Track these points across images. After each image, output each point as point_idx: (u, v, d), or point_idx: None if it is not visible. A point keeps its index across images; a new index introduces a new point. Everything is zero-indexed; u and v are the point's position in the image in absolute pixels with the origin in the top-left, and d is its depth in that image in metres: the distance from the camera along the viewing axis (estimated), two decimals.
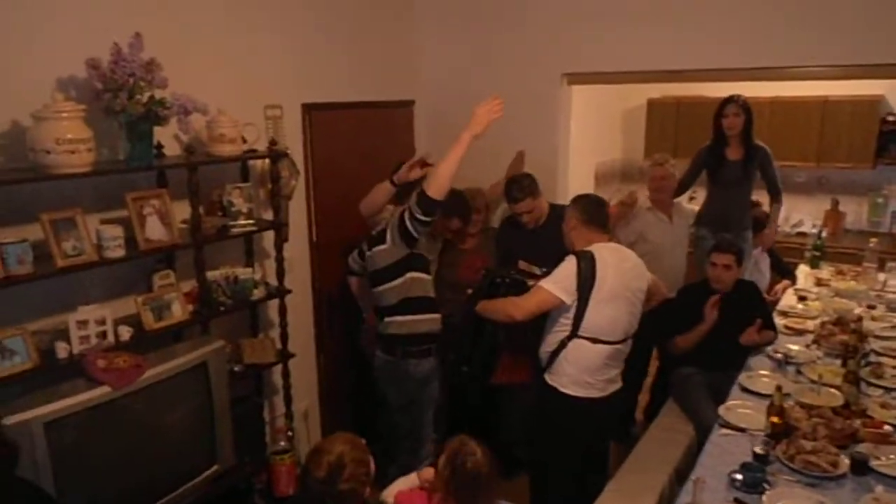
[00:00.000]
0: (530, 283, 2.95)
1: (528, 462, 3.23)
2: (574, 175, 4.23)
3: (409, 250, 2.87)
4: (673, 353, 3.61)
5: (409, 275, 2.92)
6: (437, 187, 2.66)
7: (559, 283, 2.67)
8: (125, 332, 2.47)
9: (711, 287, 3.51)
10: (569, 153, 4.05)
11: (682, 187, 4.13)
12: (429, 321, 3.01)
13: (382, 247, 2.89)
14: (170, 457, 2.47)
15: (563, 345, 2.70)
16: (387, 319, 2.99)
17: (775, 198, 4.12)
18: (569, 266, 2.66)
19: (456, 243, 3.61)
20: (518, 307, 2.73)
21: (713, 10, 3.28)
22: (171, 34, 2.69)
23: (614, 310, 2.67)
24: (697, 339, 3.43)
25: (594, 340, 2.67)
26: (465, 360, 3.45)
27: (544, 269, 2.92)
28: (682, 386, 3.45)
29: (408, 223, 2.75)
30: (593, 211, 2.80)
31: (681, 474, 2.80)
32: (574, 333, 2.68)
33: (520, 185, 3.48)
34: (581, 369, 2.70)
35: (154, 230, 2.54)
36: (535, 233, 3.41)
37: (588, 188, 3.84)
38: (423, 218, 2.72)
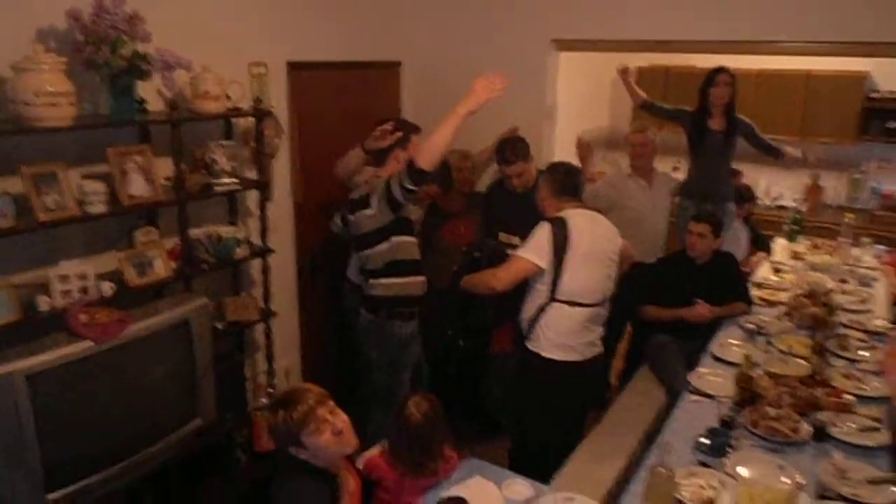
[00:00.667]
0: (509, 252, 3.00)
1: (509, 426, 3.31)
2: (560, 141, 4.24)
3: (395, 215, 2.88)
4: (643, 319, 3.69)
5: (394, 239, 2.93)
6: (427, 159, 2.65)
7: (534, 249, 2.72)
8: (108, 288, 2.48)
9: (688, 256, 3.58)
10: (555, 119, 4.05)
11: (652, 108, 4.15)
12: (414, 284, 3.04)
13: (367, 212, 2.89)
14: (152, 411, 2.50)
15: (541, 310, 2.76)
16: (372, 281, 3.02)
17: (778, 155, 4.14)
18: (542, 232, 2.71)
19: (441, 207, 3.63)
20: (497, 278, 2.78)
21: None
22: None
23: (589, 272, 2.74)
24: (671, 318, 3.51)
25: (572, 303, 2.73)
26: (456, 331, 3.52)
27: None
28: (656, 352, 3.54)
29: (395, 191, 2.75)
30: (564, 181, 2.85)
31: (651, 437, 2.90)
32: (552, 298, 2.74)
33: (513, 147, 3.49)
34: (560, 333, 2.76)
35: (137, 186, 2.53)
36: (522, 197, 3.42)
37: (573, 154, 3.83)
38: (410, 187, 2.73)
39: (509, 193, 3.54)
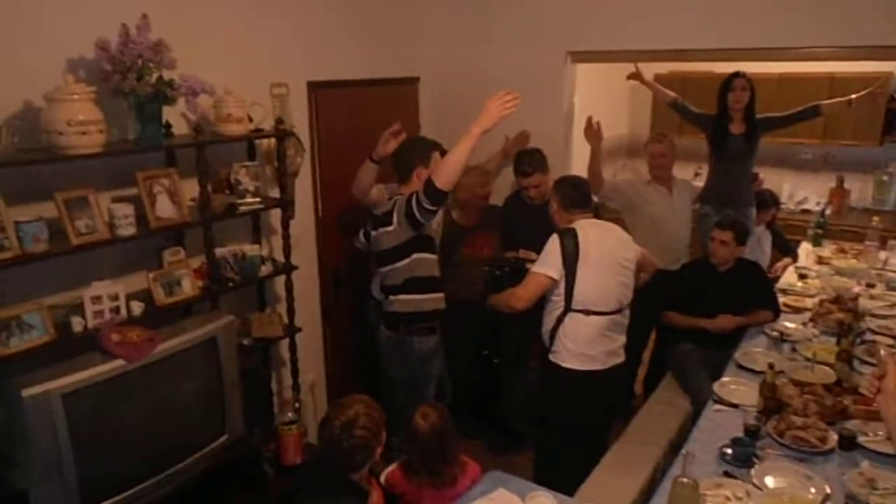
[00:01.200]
0: (528, 266, 3.03)
1: (532, 438, 3.32)
2: (580, 150, 4.24)
3: (416, 232, 2.92)
4: (666, 326, 3.68)
5: (415, 256, 2.97)
6: (445, 179, 2.69)
7: (546, 262, 2.77)
8: (137, 308, 2.55)
9: (711, 263, 3.57)
10: (573, 130, 4.07)
11: (681, 108, 4.14)
12: (433, 300, 3.07)
13: (388, 228, 2.94)
14: (181, 427, 2.56)
15: (559, 321, 2.79)
16: (391, 297, 3.06)
17: (816, 113, 3.92)
18: (552, 244, 2.76)
19: (458, 222, 3.66)
20: (517, 297, 2.83)
21: None
22: (178, 15, 2.71)
23: (603, 279, 2.76)
24: (693, 327, 3.49)
25: (587, 312, 2.76)
26: (491, 350, 3.54)
27: None
28: (680, 362, 3.53)
29: (415, 209, 2.79)
30: (572, 194, 2.90)
31: (676, 447, 2.89)
32: (568, 308, 2.77)
33: (531, 158, 3.53)
34: (578, 342, 2.78)
35: (164, 208, 2.60)
36: (540, 208, 3.44)
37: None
38: (430, 207, 2.77)
39: (526, 205, 3.56)
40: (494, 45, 3.97)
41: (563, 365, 2.81)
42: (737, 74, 3.90)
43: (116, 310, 2.48)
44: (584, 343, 2.78)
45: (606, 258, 2.77)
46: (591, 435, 2.96)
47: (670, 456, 2.89)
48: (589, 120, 3.81)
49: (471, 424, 3.76)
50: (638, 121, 6.58)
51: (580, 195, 2.91)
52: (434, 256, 3.09)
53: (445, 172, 2.69)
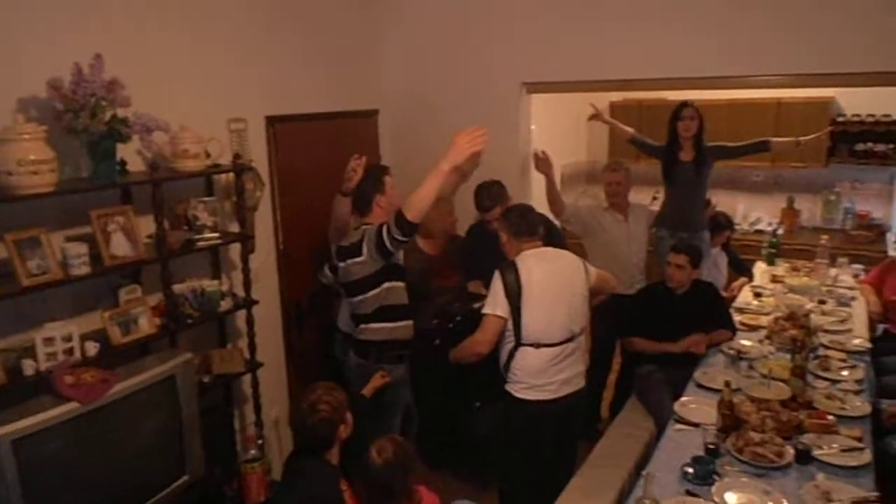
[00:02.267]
0: (476, 305, 3.08)
1: (494, 469, 3.31)
2: (539, 178, 4.33)
3: (386, 262, 2.94)
4: (628, 350, 3.74)
5: (385, 285, 2.98)
6: (415, 212, 2.72)
7: (494, 302, 2.77)
8: (92, 348, 2.50)
9: (668, 286, 3.64)
10: (531, 160, 4.15)
11: (639, 144, 4.31)
12: (403, 328, 3.08)
13: (358, 259, 2.95)
14: (139, 469, 2.50)
15: (511, 354, 2.80)
16: (362, 326, 3.06)
17: (765, 147, 4.09)
18: (496, 283, 2.77)
19: (426, 252, 3.67)
20: (479, 343, 2.83)
21: (665, 22, 3.40)
22: (133, 53, 2.72)
23: (549, 312, 2.75)
24: (659, 351, 3.55)
25: (536, 345, 2.75)
26: (481, 397, 3.53)
27: None
28: (643, 383, 3.57)
29: (386, 240, 2.81)
30: (519, 222, 2.89)
31: (640, 468, 2.90)
32: (518, 342, 2.77)
33: (489, 192, 3.57)
34: (529, 374, 2.78)
35: (119, 246, 2.57)
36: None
37: None
38: (401, 238, 2.79)
39: (489, 235, 3.60)
40: (452, 76, 4.05)
41: (516, 395, 2.82)
42: (685, 104, 4.03)
43: (70, 351, 2.43)
44: (534, 374, 2.78)
45: (551, 290, 2.76)
46: (547, 462, 2.93)
47: (635, 477, 2.91)
48: (535, 154, 3.90)
49: (438, 454, 3.75)
50: (596, 148, 6.74)
51: (526, 224, 2.90)
52: (402, 284, 3.09)
53: (416, 206, 2.72)
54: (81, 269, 2.43)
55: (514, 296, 2.72)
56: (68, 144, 2.47)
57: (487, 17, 3.86)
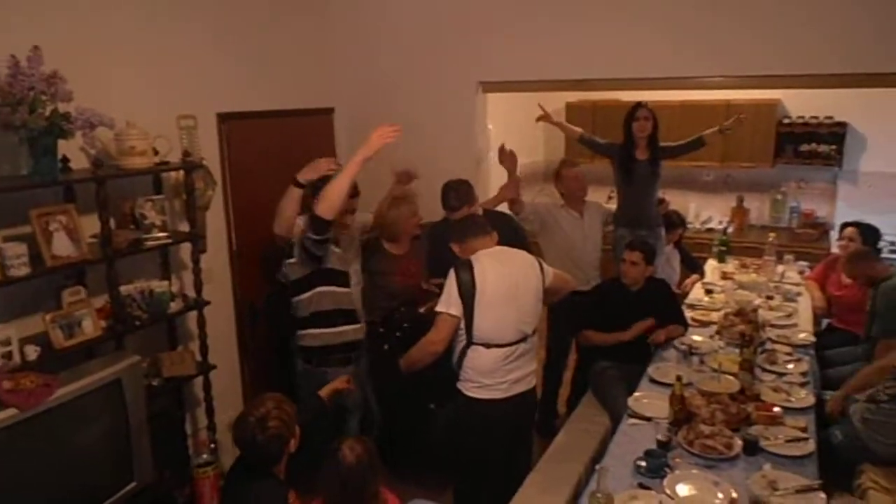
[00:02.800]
0: (422, 310, 3.09)
1: (449, 466, 3.30)
2: (498, 177, 4.35)
3: (316, 266, 2.92)
4: (583, 344, 3.78)
5: (316, 290, 2.96)
6: (326, 207, 2.70)
7: (448, 301, 2.75)
8: (32, 352, 2.41)
9: (623, 282, 3.70)
10: (488, 158, 4.17)
11: (588, 142, 4.33)
12: (344, 333, 3.04)
13: (292, 260, 2.94)
14: (85, 476, 2.41)
15: (463, 353, 2.78)
16: (300, 332, 3.03)
17: (699, 144, 4.19)
18: (450, 281, 2.75)
19: (390, 252, 3.64)
20: (433, 342, 2.79)
21: (619, 23, 3.46)
22: (76, 47, 2.64)
23: (500, 313, 2.73)
24: (612, 342, 3.60)
25: (487, 345, 2.74)
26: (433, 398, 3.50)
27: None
28: (598, 379, 3.62)
29: (306, 244, 2.79)
30: (460, 227, 2.90)
31: (596, 463, 2.94)
32: (469, 341, 2.76)
33: (457, 192, 3.54)
34: (480, 373, 2.77)
35: (61, 246, 2.49)
36: None
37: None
38: (316, 237, 2.77)
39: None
40: (407, 75, 4.04)
41: (467, 394, 2.81)
42: (639, 105, 4.10)
43: (8, 355, 2.34)
44: (485, 374, 2.77)
45: (504, 290, 2.73)
46: (502, 460, 2.93)
47: (591, 472, 2.94)
48: (501, 147, 3.90)
49: (396, 455, 3.72)
50: (553, 147, 6.81)
51: (471, 223, 2.90)
52: (343, 289, 3.05)
53: (327, 199, 2.70)
54: (21, 270, 2.34)
55: (467, 295, 2.70)
56: (6, 140, 2.37)
57: (443, 17, 3.87)
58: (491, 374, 2.77)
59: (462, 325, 2.75)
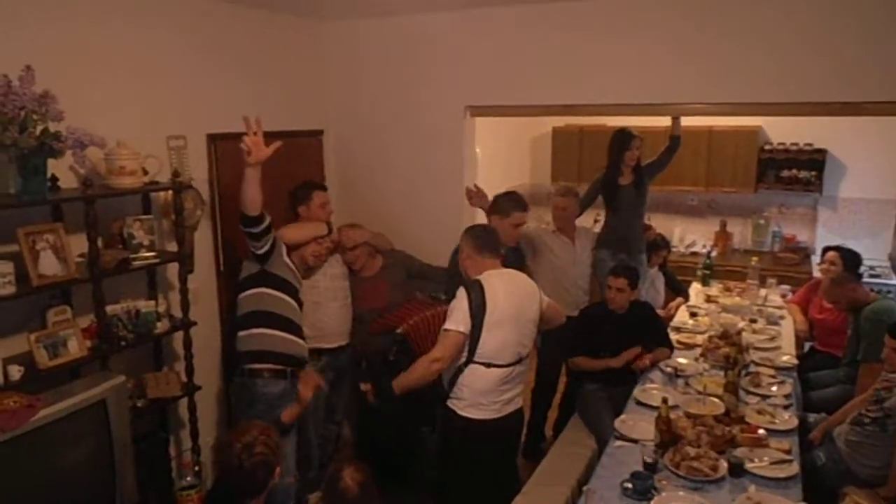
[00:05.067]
0: (428, 313, 3.10)
1: (434, 485, 3.28)
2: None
3: (261, 266, 2.96)
4: (573, 370, 3.80)
5: (261, 289, 2.98)
6: (242, 205, 2.82)
7: (457, 319, 2.75)
8: (16, 372, 2.38)
9: (608, 307, 3.73)
10: (476, 179, 4.20)
11: (581, 208, 4.38)
12: (282, 339, 2.99)
13: (246, 262, 3.05)
14: (68, 498, 2.38)
15: (460, 370, 2.79)
16: (238, 334, 3.02)
17: (675, 145, 4.25)
18: (461, 300, 2.76)
19: (359, 273, 3.65)
20: (438, 359, 2.76)
21: (604, 51, 3.52)
22: (68, 66, 2.65)
23: (504, 334, 2.76)
24: (601, 367, 3.62)
25: (488, 365, 2.75)
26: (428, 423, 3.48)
27: (444, 297, 3.02)
28: (585, 402, 3.63)
29: (247, 240, 2.91)
30: (485, 239, 2.90)
31: (583, 485, 2.94)
32: (470, 359, 2.77)
33: (518, 196, 3.59)
34: (476, 392, 2.78)
35: (48, 265, 2.48)
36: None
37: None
38: (244, 229, 2.85)
39: None
40: (396, 99, 4.08)
41: (460, 413, 2.81)
42: (633, 136, 4.15)
43: None
44: (481, 393, 2.78)
45: (511, 313, 2.76)
46: (488, 479, 2.90)
47: (578, 494, 2.94)
48: (468, 189, 3.84)
49: (380, 476, 3.69)
50: (539, 171, 6.89)
51: (491, 240, 2.92)
52: (287, 299, 3.03)
53: (241, 197, 2.83)
54: (6, 288, 2.33)
55: (477, 315, 2.72)
56: None
57: (432, 42, 3.92)
58: (487, 394, 2.78)
59: (466, 343, 2.77)
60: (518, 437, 3.07)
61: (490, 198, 3.72)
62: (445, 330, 2.79)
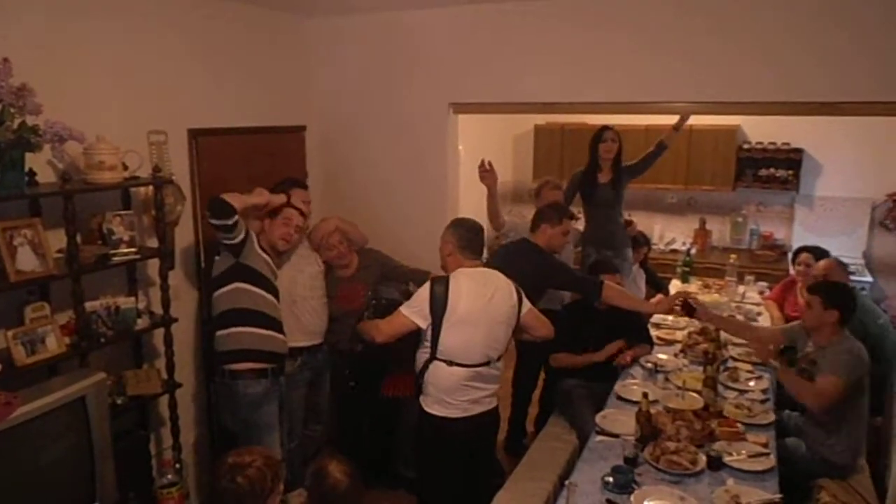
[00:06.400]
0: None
1: (412, 482, 3.29)
2: (468, 197, 4.40)
3: (235, 259, 2.93)
4: (554, 366, 3.83)
5: (234, 285, 2.95)
6: (221, 200, 2.82)
7: (414, 307, 2.77)
8: None
9: (591, 303, 3.76)
10: (458, 178, 4.22)
11: (567, 203, 4.41)
12: (260, 336, 2.97)
13: (217, 258, 3.01)
14: (46, 497, 2.35)
15: (426, 366, 2.79)
16: (217, 334, 3.00)
17: (662, 148, 4.27)
18: (423, 291, 2.77)
19: (337, 273, 3.63)
20: (378, 330, 2.84)
21: (586, 48, 3.54)
22: (46, 60, 2.61)
23: (468, 334, 2.72)
24: (584, 363, 3.65)
25: (450, 363, 2.73)
26: (353, 376, 3.52)
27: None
28: (566, 397, 3.66)
29: (217, 233, 2.91)
30: (471, 238, 2.85)
31: (564, 480, 2.96)
32: (433, 356, 2.76)
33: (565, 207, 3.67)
34: (440, 389, 2.77)
35: (26, 261, 2.44)
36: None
37: (481, 209, 3.99)
38: (216, 222, 2.83)
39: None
40: (379, 95, 4.08)
41: (426, 409, 2.82)
42: (606, 128, 4.21)
43: None
44: (444, 390, 2.77)
45: (476, 312, 2.72)
46: (464, 476, 2.91)
47: (559, 489, 2.97)
48: (482, 162, 3.92)
49: (372, 472, 3.70)
50: (521, 168, 6.93)
51: (477, 241, 2.87)
52: (264, 294, 3.00)
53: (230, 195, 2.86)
54: None
55: (437, 310, 2.71)
56: None
57: (416, 38, 3.92)
58: (450, 393, 2.76)
59: (428, 336, 2.77)
60: (489, 437, 3.03)
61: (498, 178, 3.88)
62: (399, 311, 2.81)
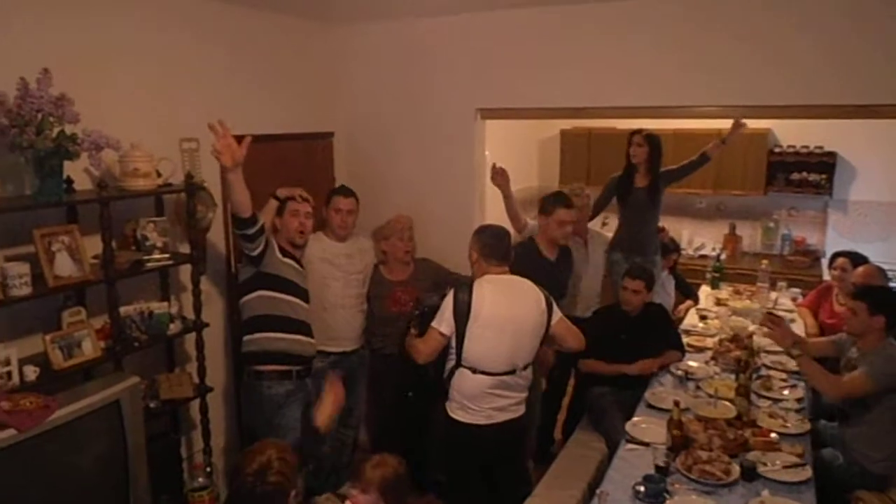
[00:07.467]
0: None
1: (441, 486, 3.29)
2: (493, 202, 4.38)
3: (256, 269, 2.97)
4: (582, 370, 3.79)
5: (258, 293, 3.01)
6: (233, 208, 2.84)
7: (442, 319, 2.77)
8: (31, 372, 2.40)
9: (622, 309, 3.72)
10: (485, 183, 4.21)
11: (596, 210, 4.39)
12: (284, 340, 3.02)
13: (241, 265, 3.10)
14: (81, 499, 2.39)
15: (451, 373, 2.79)
16: (244, 338, 3.08)
17: (705, 159, 4.17)
18: (447, 300, 2.77)
19: (386, 277, 3.66)
20: (418, 351, 2.83)
21: (613, 54, 3.52)
22: (83, 69, 2.66)
23: (492, 341, 2.71)
24: (615, 373, 3.61)
25: (474, 370, 2.73)
26: (411, 387, 3.50)
27: None
28: (595, 405, 3.63)
29: (239, 241, 2.96)
30: (494, 244, 2.84)
31: (594, 488, 2.93)
32: (458, 363, 2.76)
33: (564, 195, 3.64)
34: (464, 396, 2.77)
35: (63, 266, 2.49)
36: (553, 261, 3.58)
37: (505, 217, 3.98)
38: (237, 232, 2.88)
39: (540, 257, 3.57)
40: (407, 101, 4.09)
41: (450, 414, 2.82)
42: (636, 132, 4.17)
43: (8, 375, 2.33)
44: (469, 397, 2.76)
45: (501, 319, 2.70)
46: (489, 483, 2.90)
47: (589, 497, 2.94)
48: (493, 166, 3.91)
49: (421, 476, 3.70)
50: (547, 173, 6.89)
51: (500, 247, 2.85)
52: (289, 298, 3.04)
53: (231, 202, 2.86)
54: (22, 289, 2.34)
55: (461, 317, 2.71)
56: (12, 160, 2.39)
57: (443, 45, 3.93)
58: (474, 400, 2.76)
59: (453, 344, 2.76)
60: (516, 445, 3.01)
61: (510, 182, 3.85)
62: (431, 327, 2.80)
